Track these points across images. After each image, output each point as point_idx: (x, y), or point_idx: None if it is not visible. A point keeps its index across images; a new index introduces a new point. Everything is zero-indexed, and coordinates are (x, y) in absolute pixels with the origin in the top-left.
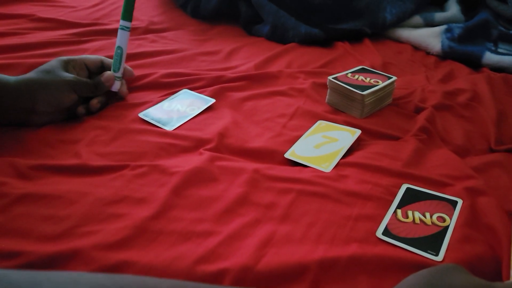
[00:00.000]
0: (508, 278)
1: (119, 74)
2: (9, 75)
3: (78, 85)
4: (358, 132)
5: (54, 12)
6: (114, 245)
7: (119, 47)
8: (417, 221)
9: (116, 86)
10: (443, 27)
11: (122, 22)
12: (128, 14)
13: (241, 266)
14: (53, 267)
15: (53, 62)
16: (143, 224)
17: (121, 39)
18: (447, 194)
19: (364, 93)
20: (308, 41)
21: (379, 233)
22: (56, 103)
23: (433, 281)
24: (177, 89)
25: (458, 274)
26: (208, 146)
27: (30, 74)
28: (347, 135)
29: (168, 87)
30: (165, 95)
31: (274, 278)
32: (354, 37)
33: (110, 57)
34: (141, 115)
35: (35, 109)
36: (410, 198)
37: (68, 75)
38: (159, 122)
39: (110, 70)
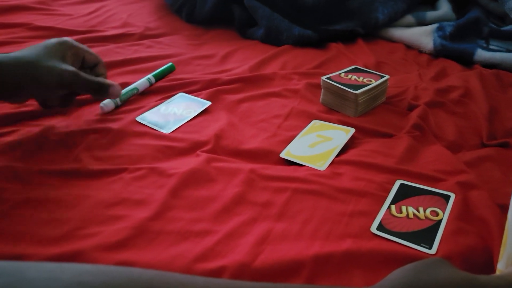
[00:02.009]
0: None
1: (119, 101)
2: None
3: (79, 80)
4: (352, 130)
5: (51, 20)
6: (115, 246)
7: (135, 88)
8: (411, 215)
9: (109, 108)
10: (435, 25)
11: (151, 77)
12: (159, 76)
13: (238, 264)
14: None
15: (57, 46)
16: (142, 225)
17: (141, 85)
18: (440, 189)
19: (357, 92)
20: (301, 43)
21: (373, 228)
22: (45, 90)
23: (419, 275)
24: (173, 93)
25: (444, 268)
26: (205, 148)
27: (31, 52)
28: (341, 134)
29: (164, 91)
30: (161, 99)
31: (270, 274)
32: (347, 38)
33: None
34: (138, 118)
35: (22, 87)
36: (404, 194)
37: (70, 68)
38: (156, 125)
39: (101, 75)
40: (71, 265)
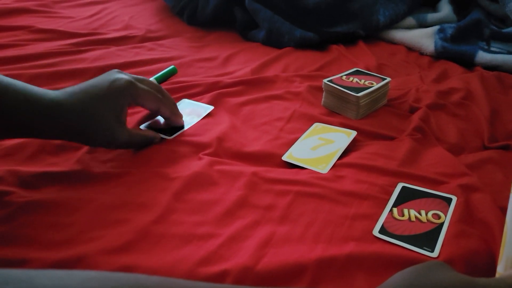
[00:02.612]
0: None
1: None
2: None
3: (130, 145)
4: (353, 133)
5: (53, 23)
6: (118, 250)
7: None
8: (413, 218)
9: None
10: (436, 27)
11: (153, 80)
12: (162, 79)
13: (241, 267)
14: None
15: (116, 101)
16: (145, 229)
17: None
18: (442, 192)
19: (359, 94)
20: (303, 45)
21: (375, 231)
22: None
23: (419, 278)
24: (175, 96)
25: (443, 271)
26: (207, 151)
27: (87, 105)
28: (343, 137)
29: None
30: None
31: (273, 278)
32: (349, 40)
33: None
34: (142, 126)
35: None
36: (406, 197)
37: (123, 136)
38: (159, 130)
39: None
40: (79, 272)
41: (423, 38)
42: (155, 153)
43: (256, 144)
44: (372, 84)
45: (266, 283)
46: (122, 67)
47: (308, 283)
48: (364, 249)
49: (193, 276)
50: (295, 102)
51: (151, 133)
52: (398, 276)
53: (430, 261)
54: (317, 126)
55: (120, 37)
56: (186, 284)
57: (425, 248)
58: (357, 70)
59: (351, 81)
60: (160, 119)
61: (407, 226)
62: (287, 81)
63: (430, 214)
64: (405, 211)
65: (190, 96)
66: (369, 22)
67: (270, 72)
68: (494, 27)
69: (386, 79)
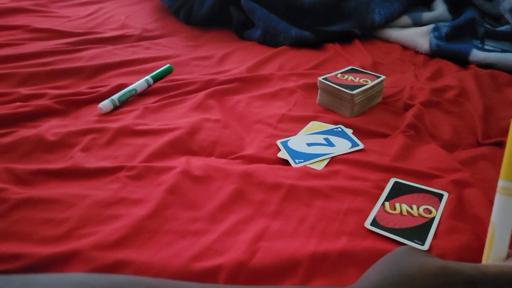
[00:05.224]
0: None
1: (118, 102)
2: (5, 84)
3: None
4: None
5: (49, 22)
6: (112, 245)
7: (134, 89)
8: (404, 212)
9: (107, 109)
10: (431, 26)
11: (149, 78)
12: (158, 77)
13: (235, 262)
14: (53, 268)
15: None
16: (139, 224)
17: (139, 86)
18: (435, 187)
19: (353, 92)
20: (299, 44)
21: (367, 223)
22: None
23: (392, 269)
24: (171, 94)
25: (416, 256)
26: (202, 147)
27: None
28: None
29: (162, 92)
30: (159, 100)
31: (267, 273)
32: (344, 39)
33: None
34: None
35: None
36: (398, 192)
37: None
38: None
39: None
40: (64, 276)
41: (418, 36)
42: (149, 150)
43: (251, 141)
44: (366, 82)
45: (260, 278)
46: (119, 65)
47: (301, 277)
48: (357, 244)
49: (187, 271)
50: (291, 100)
51: None
52: (371, 271)
53: (398, 248)
54: (313, 124)
55: (116, 36)
56: (175, 285)
57: (416, 241)
58: (352, 68)
59: (346, 79)
60: None
61: (399, 220)
62: (283, 79)
63: (421, 208)
64: (397, 205)
65: (186, 94)
66: (364, 21)
67: (265, 71)
68: (488, 26)
69: (380, 77)
